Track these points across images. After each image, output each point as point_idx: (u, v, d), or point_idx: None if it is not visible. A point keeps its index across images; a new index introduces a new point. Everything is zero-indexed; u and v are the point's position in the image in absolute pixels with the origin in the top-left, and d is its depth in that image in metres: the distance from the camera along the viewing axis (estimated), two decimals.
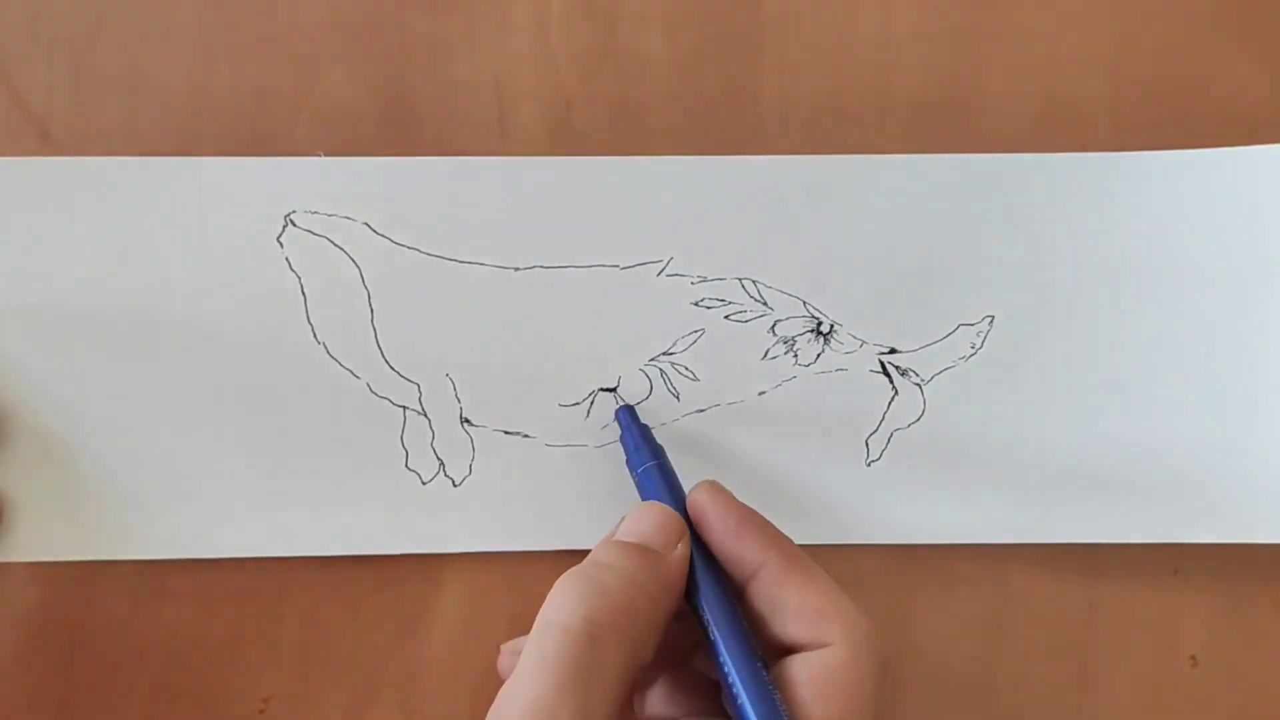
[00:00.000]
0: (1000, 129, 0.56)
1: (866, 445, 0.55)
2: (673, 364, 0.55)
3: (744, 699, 0.42)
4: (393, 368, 0.54)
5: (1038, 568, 0.56)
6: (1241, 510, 0.55)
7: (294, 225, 0.54)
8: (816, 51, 0.56)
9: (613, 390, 0.55)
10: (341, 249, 0.54)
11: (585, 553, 0.46)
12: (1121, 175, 0.55)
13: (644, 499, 0.50)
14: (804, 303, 0.55)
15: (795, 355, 0.55)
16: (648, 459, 0.50)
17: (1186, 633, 0.57)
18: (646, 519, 0.47)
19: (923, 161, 0.55)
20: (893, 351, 0.55)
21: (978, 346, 0.55)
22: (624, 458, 0.52)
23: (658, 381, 0.55)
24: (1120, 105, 0.56)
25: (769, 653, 0.45)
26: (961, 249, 0.55)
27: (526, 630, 0.43)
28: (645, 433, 0.52)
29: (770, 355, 0.55)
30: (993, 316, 0.55)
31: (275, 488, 0.54)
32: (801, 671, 0.43)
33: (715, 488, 0.48)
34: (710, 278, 0.55)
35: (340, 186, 0.54)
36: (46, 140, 0.54)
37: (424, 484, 0.54)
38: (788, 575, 0.45)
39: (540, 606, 0.43)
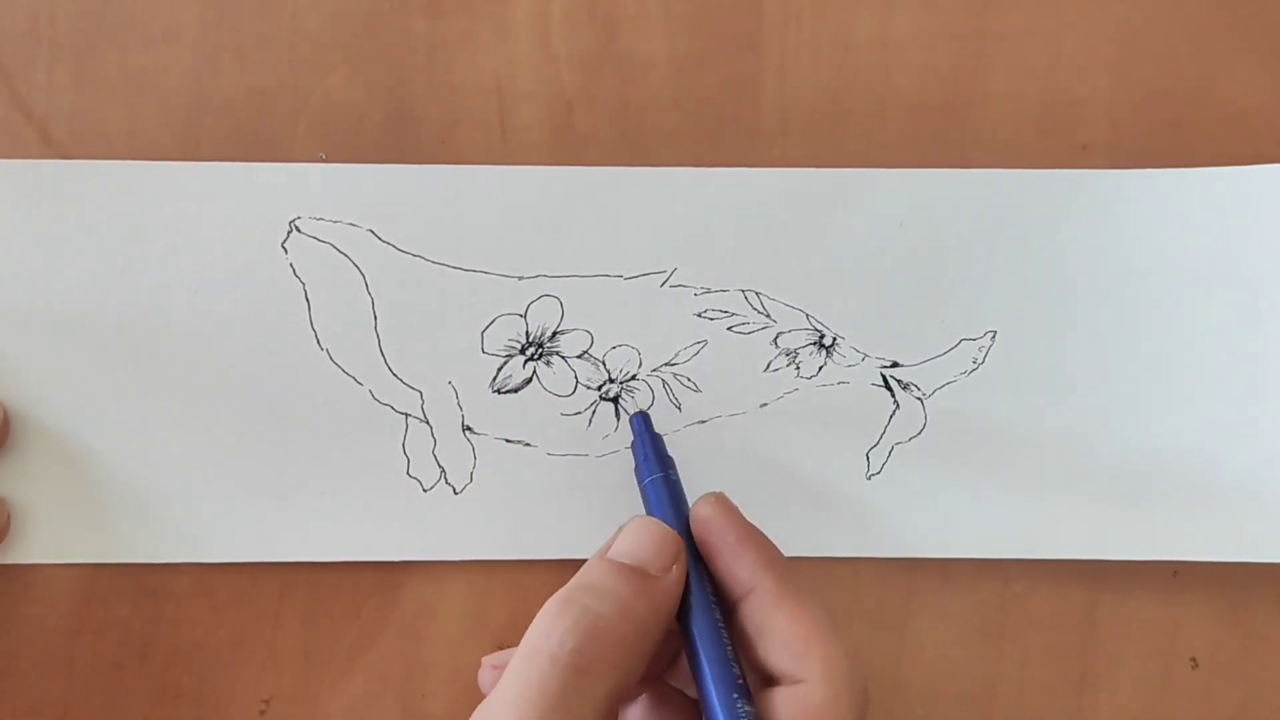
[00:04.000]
0: (1001, 132, 0.56)
1: (867, 458, 0.55)
2: (675, 375, 0.55)
3: None
4: (395, 375, 0.54)
5: (1037, 570, 0.56)
6: (1242, 528, 0.55)
7: (298, 231, 0.54)
8: (817, 53, 0.56)
9: (614, 400, 0.55)
10: (346, 256, 0.54)
11: (585, 562, 0.45)
12: (1123, 192, 0.56)
13: (647, 511, 0.49)
14: (807, 315, 0.55)
15: (797, 368, 0.55)
16: (655, 470, 0.49)
17: (1187, 635, 0.57)
18: (643, 537, 0.45)
19: (926, 176, 0.55)
20: (895, 365, 0.55)
21: (979, 361, 0.55)
22: (631, 465, 0.52)
23: (660, 392, 0.55)
24: (1121, 108, 0.57)
25: (750, 677, 0.44)
26: (964, 264, 0.55)
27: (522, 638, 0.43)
28: (657, 442, 0.51)
29: (772, 367, 0.55)
30: (995, 332, 0.55)
31: (276, 493, 0.54)
32: (783, 708, 0.42)
33: (722, 502, 0.46)
34: (714, 289, 0.55)
35: (345, 193, 0.54)
36: (48, 143, 0.54)
37: (425, 491, 0.54)
38: (780, 602, 0.43)
39: (537, 613, 0.43)
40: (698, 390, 0.55)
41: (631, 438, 0.53)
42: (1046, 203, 0.56)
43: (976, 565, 0.56)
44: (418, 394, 0.54)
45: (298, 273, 0.54)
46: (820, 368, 0.55)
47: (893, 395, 0.55)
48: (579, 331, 0.55)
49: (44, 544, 0.53)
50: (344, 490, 0.54)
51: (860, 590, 0.56)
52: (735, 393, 0.55)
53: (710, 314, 0.55)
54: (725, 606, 0.45)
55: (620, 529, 0.46)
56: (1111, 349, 0.56)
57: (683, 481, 0.50)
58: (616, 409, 0.55)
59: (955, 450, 0.55)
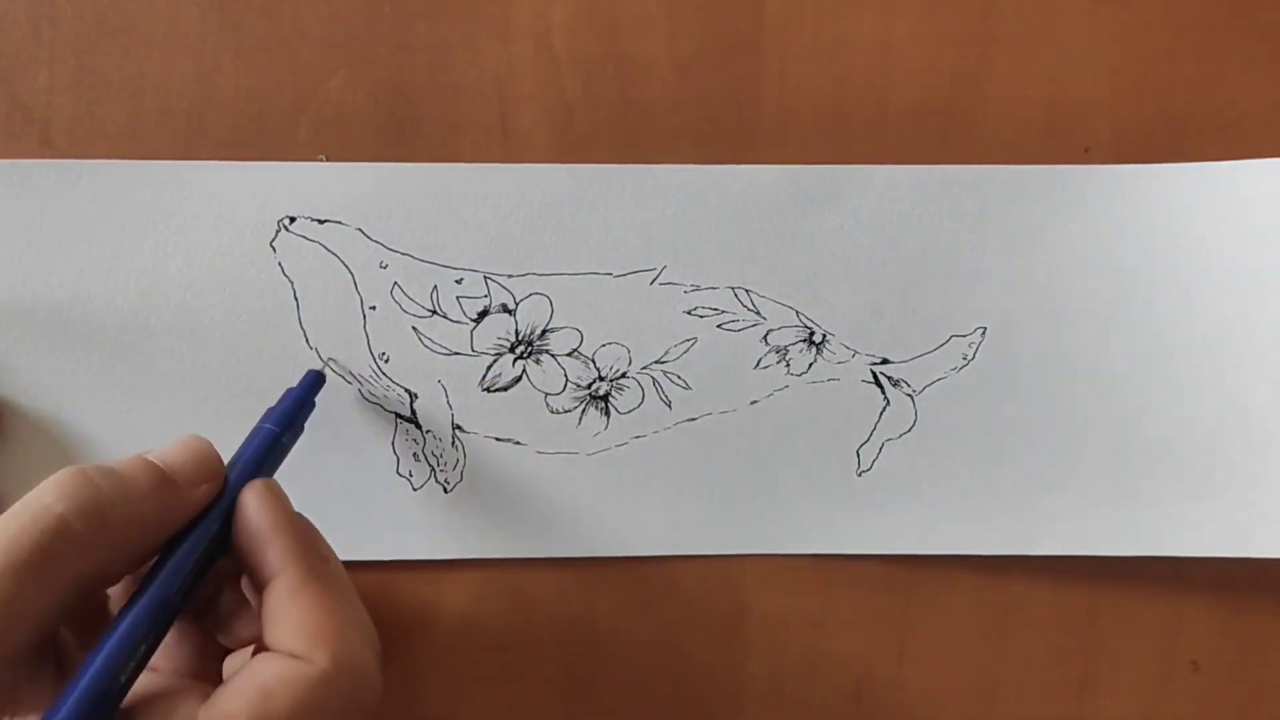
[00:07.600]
0: (1002, 135, 0.56)
1: (857, 455, 0.55)
2: (665, 372, 0.55)
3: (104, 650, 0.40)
4: (384, 374, 0.54)
5: (1038, 572, 0.56)
6: (1238, 524, 0.55)
7: (287, 230, 0.54)
8: (818, 56, 0.56)
9: (604, 398, 0.54)
10: (334, 254, 0.54)
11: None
12: (1116, 187, 0.55)
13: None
14: (797, 312, 0.55)
15: (787, 365, 0.55)
16: (274, 423, 0.49)
17: (1187, 637, 0.57)
18: (186, 450, 0.45)
19: (916, 172, 0.55)
20: (885, 362, 0.55)
21: (970, 357, 0.55)
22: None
23: (650, 390, 0.55)
24: (1123, 111, 0.56)
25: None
26: (954, 260, 0.55)
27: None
28: (302, 407, 0.51)
29: (762, 364, 0.55)
30: (985, 328, 0.55)
31: None
32: (259, 666, 0.41)
33: (270, 488, 0.46)
34: (703, 287, 0.55)
35: (334, 192, 0.54)
36: (49, 145, 0.54)
37: (415, 490, 0.54)
38: (300, 590, 0.43)
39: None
40: (688, 388, 0.55)
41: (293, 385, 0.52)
42: (1036, 198, 0.55)
43: (976, 566, 0.56)
44: (407, 393, 0.54)
45: (286, 272, 0.54)
46: (810, 365, 0.55)
47: (883, 392, 0.55)
48: (569, 329, 0.55)
49: None
50: (333, 489, 0.54)
51: (860, 590, 0.56)
52: (725, 390, 0.55)
53: (700, 311, 0.55)
54: (258, 588, 0.44)
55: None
56: (1104, 344, 0.55)
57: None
58: (607, 407, 0.55)
59: (946, 446, 0.55)
